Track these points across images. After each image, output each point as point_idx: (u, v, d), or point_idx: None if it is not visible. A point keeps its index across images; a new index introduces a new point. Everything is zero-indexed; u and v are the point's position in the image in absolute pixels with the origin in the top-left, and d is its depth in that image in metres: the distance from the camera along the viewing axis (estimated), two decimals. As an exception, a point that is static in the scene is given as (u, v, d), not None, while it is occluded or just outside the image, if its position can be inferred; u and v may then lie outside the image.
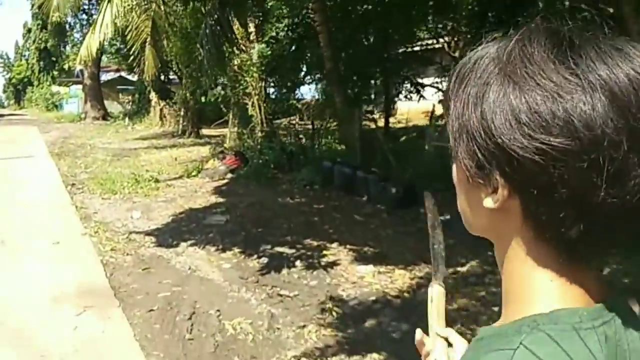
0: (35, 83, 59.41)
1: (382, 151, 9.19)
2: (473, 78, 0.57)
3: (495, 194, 0.56)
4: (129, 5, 10.82)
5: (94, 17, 30.48)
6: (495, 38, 0.60)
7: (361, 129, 9.44)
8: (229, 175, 10.27)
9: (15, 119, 40.23)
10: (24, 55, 68.68)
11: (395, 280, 5.23)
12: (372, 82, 14.11)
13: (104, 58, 33.15)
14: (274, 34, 12.93)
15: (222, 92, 13.99)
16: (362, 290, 5.01)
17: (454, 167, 0.64)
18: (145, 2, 11.01)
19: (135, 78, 31.88)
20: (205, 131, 19.77)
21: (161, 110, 22.51)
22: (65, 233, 6.67)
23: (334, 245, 6.18)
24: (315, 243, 6.26)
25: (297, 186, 9.24)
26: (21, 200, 8.55)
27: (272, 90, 14.98)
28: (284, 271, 5.44)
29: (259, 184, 9.56)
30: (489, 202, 0.57)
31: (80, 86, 41.11)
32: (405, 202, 7.43)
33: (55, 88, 50.50)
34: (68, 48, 49.05)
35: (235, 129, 14.88)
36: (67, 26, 38.57)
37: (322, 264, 5.62)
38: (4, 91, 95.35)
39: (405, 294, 4.97)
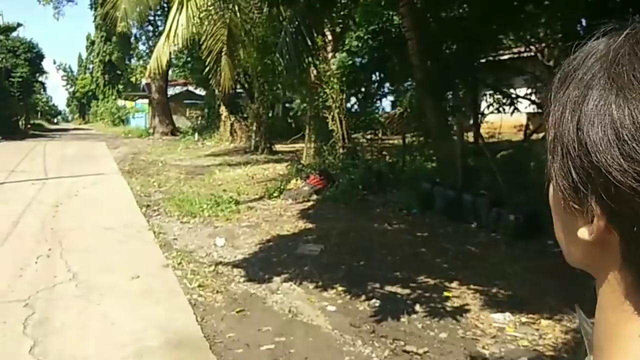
0: (100, 97, 60.94)
1: (489, 171, 8.16)
2: (576, 79, 0.48)
3: (591, 225, 0.47)
4: (204, 12, 10.28)
5: (160, 28, 30.76)
6: (611, 31, 0.49)
7: (462, 146, 8.41)
8: (314, 197, 9.46)
9: (82, 133, 41.42)
10: (88, 69, 70.69)
11: (545, 334, 4.22)
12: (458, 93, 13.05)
13: (170, 72, 33.26)
14: (355, 42, 12.15)
15: (302, 106, 13.27)
16: (507, 348, 4.04)
17: (550, 186, 0.53)
18: (220, 9, 10.43)
19: (203, 92, 31.96)
20: (277, 146, 19.25)
21: (232, 125, 22.14)
22: (145, 264, 6.00)
23: (454, 284, 5.23)
24: (431, 281, 5.33)
25: (392, 210, 8.33)
26: (93, 223, 8.04)
27: (349, 103, 14.20)
28: (403, 318, 4.53)
29: (348, 206, 8.71)
30: (583, 233, 0.48)
31: (146, 100, 41.74)
32: (527, 232, 6.41)
33: (120, 102, 51.48)
34: (133, 61, 49.79)
35: (312, 144, 14.16)
36: (133, 38, 39.01)
37: (448, 309, 4.68)
38: (68, 105, 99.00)
39: (564, 354, 3.97)
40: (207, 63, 10.82)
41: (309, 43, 10.38)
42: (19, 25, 42.38)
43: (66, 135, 38.92)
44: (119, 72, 55.35)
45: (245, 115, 22.20)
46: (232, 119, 22.30)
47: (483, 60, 13.55)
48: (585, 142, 0.44)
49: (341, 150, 12.47)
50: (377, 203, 8.85)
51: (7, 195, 10.52)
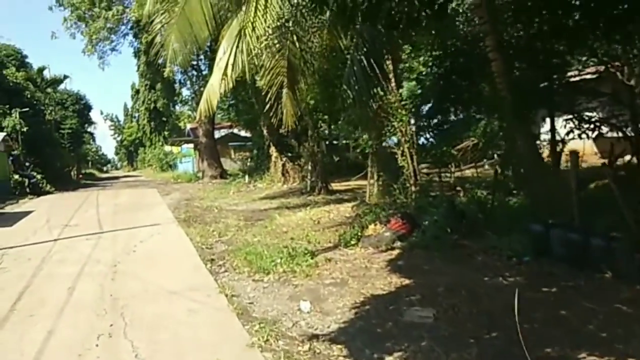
0: (147, 144, 62.18)
1: (604, 204, 6.90)
2: None
3: None
4: (264, 43, 9.42)
5: (204, 72, 30.55)
6: None
7: (577, 178, 7.16)
8: (398, 244, 8.32)
9: (131, 180, 41.63)
10: (134, 117, 72.50)
11: None
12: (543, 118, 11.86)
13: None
14: (422, 69, 11.13)
15: (369, 142, 12.28)
16: None
17: None
18: (282, 39, 9.57)
19: (248, 134, 31.53)
20: (332, 185, 18.30)
21: (283, 165, 21.31)
22: (225, 344, 4.95)
23: (631, 363, 4.00)
24: (597, 360, 4.12)
25: (498, 258, 7.11)
26: (156, 286, 7.08)
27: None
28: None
29: (442, 255, 7.53)
30: None
31: (191, 145, 41.92)
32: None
33: (167, 148, 52.12)
34: (178, 107, 50.41)
35: (376, 182, 13.10)
36: (177, 84, 39.17)
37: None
38: (116, 153, 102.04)
39: None
40: (267, 100, 9.92)
41: (377, 71, 9.45)
42: (65, 77, 43.34)
43: (117, 183, 39.01)
44: (164, 118, 56.22)
45: (292, 155, 21.42)
46: (284, 159, 21.49)
47: (556, 83, 12.42)
48: None
49: (413, 188, 11.35)
50: (475, 249, 7.64)
51: (62, 254, 9.77)
